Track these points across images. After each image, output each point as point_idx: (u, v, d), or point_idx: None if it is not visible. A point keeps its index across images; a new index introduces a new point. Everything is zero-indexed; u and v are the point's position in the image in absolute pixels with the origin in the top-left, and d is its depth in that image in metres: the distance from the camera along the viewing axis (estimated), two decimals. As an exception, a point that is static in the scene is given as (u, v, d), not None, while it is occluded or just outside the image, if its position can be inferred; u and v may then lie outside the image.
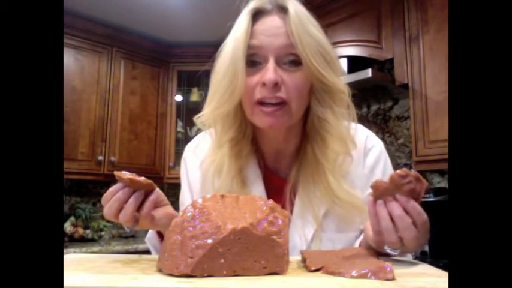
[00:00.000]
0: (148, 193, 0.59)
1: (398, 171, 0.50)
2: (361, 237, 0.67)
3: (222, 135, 0.70)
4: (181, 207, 0.77)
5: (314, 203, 0.67)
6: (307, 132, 0.70)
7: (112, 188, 0.56)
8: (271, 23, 0.65)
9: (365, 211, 0.57)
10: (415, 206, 0.50)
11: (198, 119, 0.71)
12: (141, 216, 0.57)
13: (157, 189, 0.60)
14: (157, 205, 0.60)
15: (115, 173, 0.57)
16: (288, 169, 0.72)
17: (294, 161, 0.72)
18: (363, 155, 0.73)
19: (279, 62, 0.64)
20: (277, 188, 0.71)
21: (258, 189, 0.71)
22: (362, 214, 0.64)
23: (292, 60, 0.64)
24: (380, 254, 0.59)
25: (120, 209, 0.56)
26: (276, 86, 0.62)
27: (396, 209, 0.50)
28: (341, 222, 0.67)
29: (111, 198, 0.56)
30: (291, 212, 0.68)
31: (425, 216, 0.50)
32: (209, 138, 0.74)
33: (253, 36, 0.64)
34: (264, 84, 0.63)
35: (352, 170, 0.70)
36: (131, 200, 0.56)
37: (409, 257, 0.65)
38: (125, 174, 0.56)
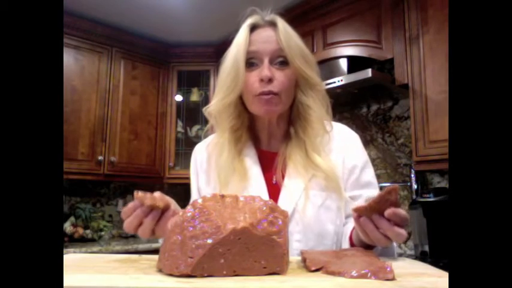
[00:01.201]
0: (164, 210, 0.63)
1: (374, 199, 0.56)
2: (350, 225, 0.76)
3: (225, 123, 0.85)
4: (192, 195, 0.91)
5: (301, 171, 0.81)
6: (292, 118, 0.87)
7: (131, 205, 0.62)
8: (265, 33, 0.83)
9: (339, 178, 0.80)
10: (395, 212, 0.56)
11: (207, 109, 0.86)
12: (157, 229, 0.63)
13: (172, 205, 0.66)
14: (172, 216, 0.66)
15: (135, 192, 0.61)
16: (278, 146, 0.87)
17: (283, 141, 0.87)
18: (342, 140, 0.87)
19: (271, 63, 0.81)
20: (270, 160, 0.86)
21: (252, 161, 0.85)
22: (338, 183, 0.80)
23: (281, 61, 0.81)
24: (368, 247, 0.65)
25: (139, 225, 0.62)
26: (270, 80, 0.79)
27: (382, 223, 0.57)
28: (324, 184, 0.80)
29: (131, 214, 0.62)
30: (283, 178, 0.82)
31: (403, 213, 0.57)
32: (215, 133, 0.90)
33: (251, 44, 0.82)
34: (261, 80, 0.79)
35: (333, 152, 0.85)
36: (150, 218, 0.62)
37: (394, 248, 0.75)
38: (146, 199, 0.60)
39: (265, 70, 0.79)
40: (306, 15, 2.35)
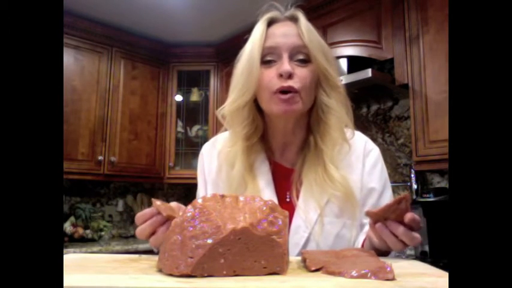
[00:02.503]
0: None
1: (384, 207, 0.57)
2: (362, 237, 0.74)
3: (238, 129, 0.79)
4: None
5: (317, 191, 0.75)
6: (311, 126, 0.81)
7: (147, 212, 0.59)
8: (284, 27, 0.78)
9: (356, 200, 0.75)
10: (414, 218, 0.56)
11: (221, 111, 0.80)
12: None
13: None
14: None
15: (153, 200, 0.60)
16: (293, 160, 0.81)
17: (299, 154, 0.81)
18: (362, 156, 0.81)
19: (291, 59, 0.75)
20: (284, 177, 0.80)
21: (265, 177, 0.80)
22: (355, 204, 0.75)
23: (302, 59, 0.76)
24: (382, 254, 0.63)
25: (152, 233, 0.59)
26: (290, 76, 0.73)
27: (397, 228, 0.57)
28: (339, 209, 0.76)
29: (145, 222, 0.59)
30: (297, 198, 0.77)
31: (418, 218, 0.57)
32: (226, 134, 0.85)
33: (268, 38, 0.76)
34: (280, 75, 0.73)
35: (352, 169, 0.79)
36: (164, 228, 0.58)
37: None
38: (163, 209, 0.58)
39: (285, 64, 0.73)
40: (306, 15, 2.35)
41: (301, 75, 0.74)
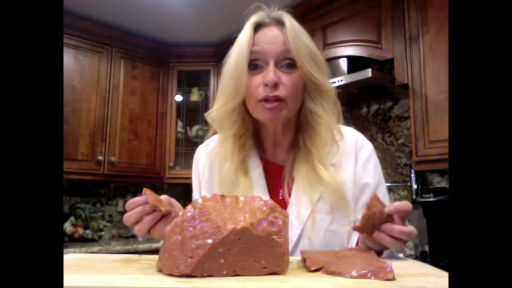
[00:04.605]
0: (165, 214, 0.64)
1: (362, 218, 0.59)
2: (355, 237, 0.74)
3: (228, 130, 0.80)
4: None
5: (308, 188, 0.76)
6: (300, 126, 0.81)
7: (136, 200, 0.62)
8: (271, 33, 0.76)
9: (349, 199, 0.75)
10: (396, 207, 0.58)
11: (209, 115, 0.81)
12: (153, 231, 0.64)
13: (174, 212, 0.66)
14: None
15: (144, 189, 0.62)
16: (284, 158, 0.82)
17: (290, 152, 0.82)
18: (355, 151, 0.81)
19: (277, 65, 0.75)
20: (275, 174, 0.81)
21: (257, 173, 0.80)
22: (346, 202, 0.75)
23: (288, 64, 0.75)
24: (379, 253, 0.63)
25: (137, 221, 0.62)
26: (275, 85, 0.73)
27: (392, 230, 0.57)
28: (331, 206, 0.76)
29: (133, 209, 0.62)
30: (289, 195, 0.77)
31: (397, 204, 0.58)
32: (217, 136, 0.85)
33: (255, 44, 0.76)
34: (266, 85, 0.73)
35: (344, 164, 0.79)
36: (149, 218, 0.62)
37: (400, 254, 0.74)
38: (151, 197, 0.61)
39: (270, 74, 0.73)
40: (306, 15, 2.35)
41: (288, 83, 0.74)
